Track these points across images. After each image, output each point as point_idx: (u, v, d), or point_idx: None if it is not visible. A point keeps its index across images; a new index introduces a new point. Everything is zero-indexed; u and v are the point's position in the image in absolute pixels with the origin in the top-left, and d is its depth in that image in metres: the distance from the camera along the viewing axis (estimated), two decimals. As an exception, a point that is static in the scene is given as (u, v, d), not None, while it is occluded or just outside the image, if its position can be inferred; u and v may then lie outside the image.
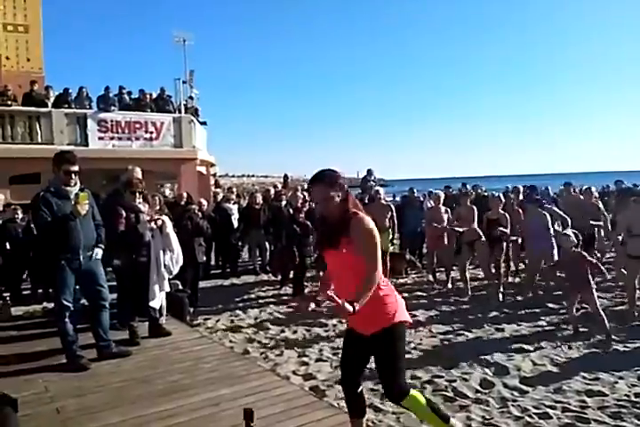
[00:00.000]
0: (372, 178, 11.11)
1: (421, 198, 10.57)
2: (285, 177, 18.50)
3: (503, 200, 7.92)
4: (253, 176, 58.42)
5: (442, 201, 8.48)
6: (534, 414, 3.74)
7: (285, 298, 7.88)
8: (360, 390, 2.79)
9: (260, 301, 7.84)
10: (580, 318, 5.84)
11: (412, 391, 2.59)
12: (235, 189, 11.81)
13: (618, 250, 7.07)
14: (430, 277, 8.86)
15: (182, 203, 8.90)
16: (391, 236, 8.49)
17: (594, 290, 5.57)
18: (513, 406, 3.89)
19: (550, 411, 3.77)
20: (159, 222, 5.01)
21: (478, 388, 4.27)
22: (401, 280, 9.02)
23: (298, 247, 7.57)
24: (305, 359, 5.12)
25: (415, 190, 10.64)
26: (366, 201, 9.23)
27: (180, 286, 6.55)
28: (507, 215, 7.54)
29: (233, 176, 52.35)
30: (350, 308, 2.32)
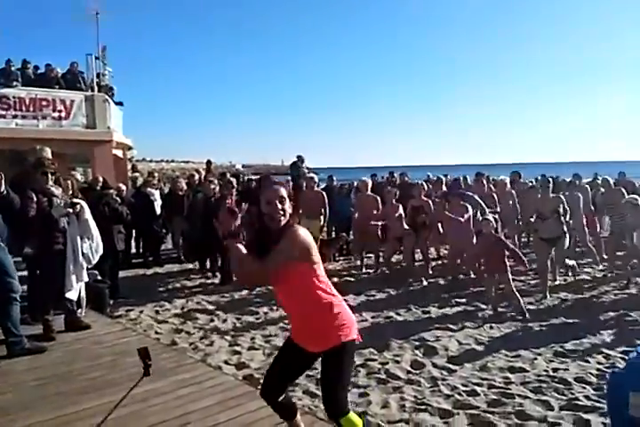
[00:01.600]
0: (304, 165, 10.99)
1: (347, 186, 10.60)
2: (209, 162, 17.98)
3: (426, 188, 8.27)
4: (173, 161, 56.40)
5: (369, 188, 8.56)
6: (463, 391, 3.87)
7: (212, 287, 7.69)
8: (283, 397, 2.64)
9: (186, 290, 7.58)
10: (498, 299, 6.12)
11: (352, 413, 2.46)
12: (156, 174, 11.24)
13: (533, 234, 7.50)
14: (358, 263, 8.96)
15: (98, 187, 8.44)
16: (322, 222, 8.50)
17: (509, 272, 5.85)
18: (443, 384, 4.01)
19: (477, 388, 3.92)
20: (77, 208, 4.65)
21: (409, 369, 4.36)
22: (330, 266, 9.05)
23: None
24: (237, 348, 5.00)
25: (334, 178, 10.68)
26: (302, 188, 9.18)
27: (99, 277, 6.19)
28: (430, 202, 7.81)
29: (151, 161, 50.24)
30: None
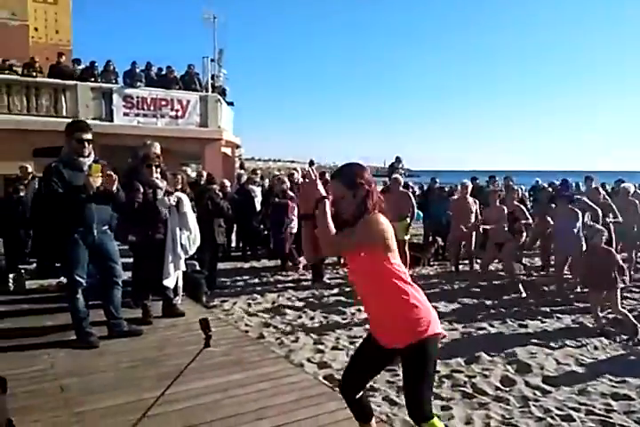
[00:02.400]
0: (400, 166, 10.82)
1: (446, 189, 10.30)
2: (311, 162, 18.29)
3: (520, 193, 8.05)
4: (280, 161, 58.18)
5: (469, 191, 8.24)
6: (556, 415, 3.56)
7: (305, 284, 7.78)
8: (361, 395, 2.57)
9: (279, 285, 7.74)
10: (607, 318, 5.59)
11: (436, 420, 2.34)
12: (259, 171, 11.60)
13: None
14: (453, 269, 8.65)
15: (202, 182, 8.83)
16: (408, 223, 8.30)
17: (618, 289, 5.32)
18: (535, 406, 3.71)
19: (574, 413, 3.59)
20: (173, 198, 4.87)
21: (499, 385, 4.10)
22: (424, 271, 8.83)
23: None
24: (320, 347, 5.00)
25: (437, 180, 10.39)
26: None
27: (198, 267, 6.48)
28: (522, 207, 7.49)
29: (259, 160, 52.21)
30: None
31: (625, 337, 5.22)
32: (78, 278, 4.07)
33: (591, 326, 5.63)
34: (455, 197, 9.21)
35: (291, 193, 8.58)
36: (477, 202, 8.10)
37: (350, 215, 2.32)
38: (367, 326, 5.52)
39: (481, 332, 5.48)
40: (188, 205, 5.00)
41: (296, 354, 4.74)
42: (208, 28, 13.79)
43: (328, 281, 7.86)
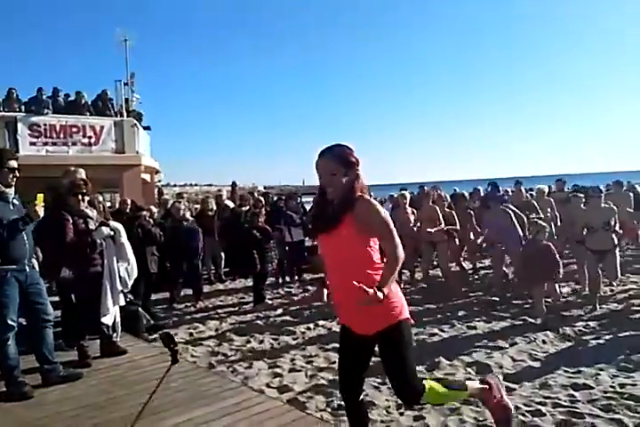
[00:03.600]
0: None
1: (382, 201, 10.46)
2: (234, 184, 18.04)
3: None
4: (196, 185, 56.91)
5: (407, 202, 8.38)
6: (527, 412, 3.59)
7: (246, 307, 7.52)
8: (362, 398, 2.52)
9: (219, 311, 7.42)
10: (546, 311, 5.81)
11: (426, 384, 2.35)
12: (185, 195, 11.26)
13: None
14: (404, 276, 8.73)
15: (127, 210, 8.39)
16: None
17: (557, 282, 5.56)
18: (503, 405, 3.72)
19: (542, 408, 3.63)
20: (109, 228, 4.52)
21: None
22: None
23: (258, 253, 7.19)
24: (277, 370, 4.79)
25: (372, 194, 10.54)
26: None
27: (132, 299, 6.08)
28: (453, 213, 7.73)
29: (175, 185, 50.77)
30: (380, 294, 2.11)
31: (566, 329, 5.40)
32: (10, 322, 3.64)
33: (533, 320, 5.81)
34: (390, 206, 9.33)
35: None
36: (415, 212, 8.27)
37: (339, 193, 2.31)
38: (321, 344, 5.47)
39: (434, 338, 5.50)
40: (124, 235, 4.65)
41: (253, 381, 4.50)
42: (121, 52, 13.30)
43: (270, 302, 7.64)
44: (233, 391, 3.68)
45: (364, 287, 2.05)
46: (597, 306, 6.14)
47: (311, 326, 6.28)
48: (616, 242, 6.04)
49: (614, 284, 7.20)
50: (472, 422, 3.49)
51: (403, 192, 8.78)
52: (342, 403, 3.84)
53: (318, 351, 5.28)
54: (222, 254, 9.63)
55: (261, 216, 7.53)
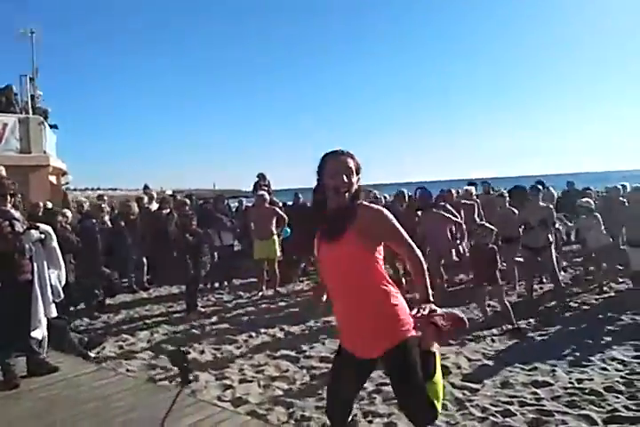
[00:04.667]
0: (266, 182, 10.53)
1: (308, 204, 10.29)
2: (146, 187, 17.14)
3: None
4: (99, 189, 53.82)
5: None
6: (496, 412, 3.57)
7: (177, 316, 7.06)
8: (351, 418, 2.33)
9: (148, 321, 6.91)
10: (491, 312, 5.94)
11: (436, 403, 2.19)
12: (106, 198, 10.46)
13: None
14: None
15: (40, 214, 7.64)
16: (277, 242, 8.09)
17: (500, 283, 5.70)
18: (471, 406, 3.69)
19: (510, 407, 3.64)
20: (37, 231, 4.00)
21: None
22: (297, 288, 8.64)
23: (191, 258, 6.79)
24: (226, 382, 4.47)
25: (300, 195, 10.35)
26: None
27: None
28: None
29: (75, 190, 47.58)
30: (433, 306, 2.05)
31: (510, 327, 5.54)
32: None
33: (476, 318, 5.92)
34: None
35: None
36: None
37: (346, 196, 2.12)
38: (268, 352, 5.21)
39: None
40: (55, 239, 4.12)
41: (202, 395, 4.16)
42: (25, 45, 12.19)
43: (202, 310, 7.24)
44: (193, 408, 3.37)
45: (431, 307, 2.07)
46: (533, 300, 6.38)
47: (253, 333, 5.98)
48: (551, 240, 6.29)
49: (545, 280, 7.48)
50: None
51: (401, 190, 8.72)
52: (305, 414, 3.74)
53: (267, 360, 5.02)
54: (145, 260, 9.06)
55: (194, 219, 7.11)
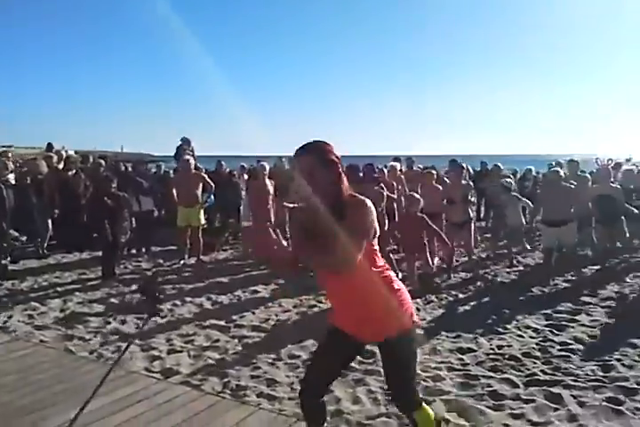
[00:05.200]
0: (190, 147, 10.07)
1: (235, 172, 10.04)
2: (50, 146, 15.93)
3: None
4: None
5: (267, 175, 8.14)
6: (427, 377, 3.71)
7: (92, 283, 6.70)
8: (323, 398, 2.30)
9: (59, 289, 6.49)
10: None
11: (424, 405, 2.19)
12: (10, 154, 9.53)
13: None
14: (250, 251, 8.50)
15: None
16: (200, 209, 7.84)
17: (427, 252, 5.91)
18: (402, 372, 3.81)
19: (439, 373, 3.80)
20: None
21: (360, 359, 4.08)
22: (220, 257, 8.48)
23: (111, 223, 6.42)
24: (154, 353, 4.31)
25: (223, 163, 10.08)
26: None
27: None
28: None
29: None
30: None
31: (433, 296, 5.77)
32: None
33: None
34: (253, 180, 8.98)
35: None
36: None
37: (324, 195, 1.98)
38: (197, 322, 5.09)
39: (312, 310, 5.47)
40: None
41: (128, 366, 3.98)
42: None
43: (120, 277, 6.92)
44: (124, 380, 3.22)
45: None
46: (452, 275, 6.68)
47: (178, 302, 5.81)
48: (472, 215, 6.56)
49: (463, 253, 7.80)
50: (380, 392, 3.50)
51: (263, 163, 8.50)
52: (240, 383, 3.69)
53: (196, 329, 4.90)
54: (50, 224, 8.45)
55: (113, 182, 6.71)
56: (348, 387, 3.59)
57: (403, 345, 2.07)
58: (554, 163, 11.21)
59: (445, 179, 8.47)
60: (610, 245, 6.90)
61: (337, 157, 2.03)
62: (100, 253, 7.20)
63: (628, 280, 6.40)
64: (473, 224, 6.51)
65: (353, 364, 3.92)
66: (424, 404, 2.19)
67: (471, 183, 7.03)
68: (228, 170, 9.84)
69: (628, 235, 7.04)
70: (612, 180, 7.03)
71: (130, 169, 9.53)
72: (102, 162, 8.68)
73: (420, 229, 5.75)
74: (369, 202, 1.99)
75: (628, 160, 16.09)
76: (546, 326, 4.82)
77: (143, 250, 8.66)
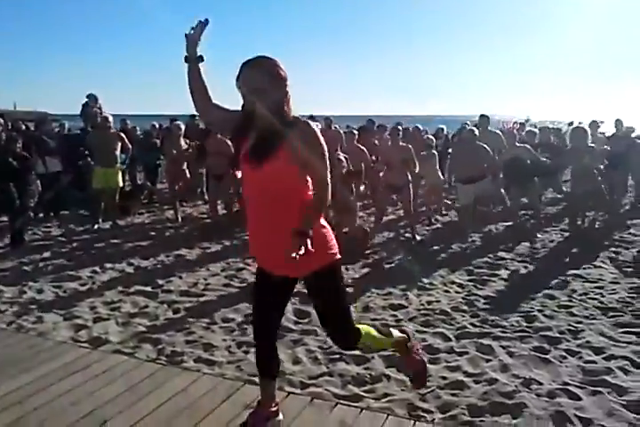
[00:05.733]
0: (98, 105, 9.34)
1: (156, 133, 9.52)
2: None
3: None
4: None
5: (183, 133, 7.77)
6: (363, 335, 3.80)
7: (1, 251, 6.19)
8: (274, 344, 2.28)
9: (-36, 257, 5.96)
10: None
11: (361, 328, 2.23)
12: None
13: None
14: (169, 214, 8.21)
15: None
16: (118, 169, 7.41)
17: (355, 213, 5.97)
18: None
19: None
20: None
21: (296, 319, 4.13)
22: (137, 220, 8.11)
23: (17, 186, 5.89)
24: (78, 322, 4.10)
25: (129, 122, 9.54)
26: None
27: None
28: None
29: None
30: (306, 239, 1.84)
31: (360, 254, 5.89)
32: None
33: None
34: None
35: None
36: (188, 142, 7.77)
37: (268, 114, 1.92)
38: (120, 288, 4.88)
39: (244, 272, 5.39)
40: None
41: (52, 336, 3.75)
42: None
43: (31, 244, 6.45)
44: (54, 351, 3.01)
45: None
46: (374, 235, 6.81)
47: (97, 269, 5.52)
48: (410, 178, 6.59)
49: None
50: (320, 351, 3.55)
51: (177, 123, 8.12)
52: (176, 349, 3.60)
53: (121, 296, 4.70)
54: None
55: (18, 141, 6.13)
56: (287, 348, 3.60)
57: (327, 279, 2.08)
58: (468, 122, 11.61)
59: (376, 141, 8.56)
60: (520, 202, 7.33)
61: (285, 73, 1.95)
62: (6, 219, 6.65)
63: (539, 236, 6.85)
64: (411, 187, 6.54)
65: (290, 324, 3.98)
66: (361, 326, 2.25)
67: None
68: (138, 130, 9.33)
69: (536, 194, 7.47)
70: (517, 141, 7.37)
71: (32, 128, 8.75)
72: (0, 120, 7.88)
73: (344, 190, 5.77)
74: (313, 124, 1.99)
75: (526, 121, 16.93)
76: (469, 280, 5.08)
77: (52, 214, 8.10)
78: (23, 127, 8.77)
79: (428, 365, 3.20)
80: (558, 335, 3.74)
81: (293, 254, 1.78)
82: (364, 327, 2.27)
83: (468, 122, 11.73)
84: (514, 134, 7.96)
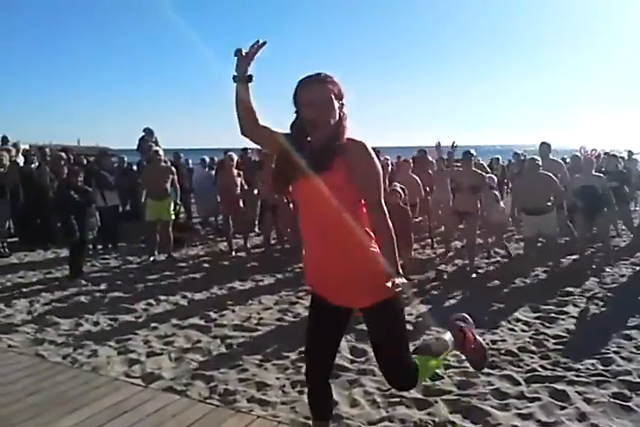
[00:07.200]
0: (153, 139, 9.66)
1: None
2: (5, 139, 15.21)
3: None
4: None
5: (234, 165, 7.86)
6: (424, 376, 3.57)
7: (56, 284, 6.31)
8: (328, 384, 2.13)
9: (24, 289, 6.11)
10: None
11: (418, 363, 2.09)
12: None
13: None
14: (222, 247, 8.24)
15: None
16: (172, 202, 7.53)
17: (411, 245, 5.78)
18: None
19: (438, 371, 3.59)
20: None
21: (351, 357, 3.93)
22: (191, 252, 8.17)
23: (78, 218, 6.05)
24: (132, 356, 4.04)
25: (182, 155, 9.79)
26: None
27: None
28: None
29: None
30: (402, 277, 1.79)
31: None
32: None
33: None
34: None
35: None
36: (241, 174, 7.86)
37: (331, 128, 1.86)
38: (174, 322, 4.82)
39: (297, 306, 5.26)
40: None
41: (106, 371, 3.71)
42: None
43: (88, 275, 6.56)
44: (107, 388, 2.95)
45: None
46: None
47: (152, 301, 5.53)
48: (479, 206, 6.36)
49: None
50: (378, 393, 3.34)
51: (230, 153, 8.20)
52: (228, 388, 3.47)
53: (174, 330, 4.64)
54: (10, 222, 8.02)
55: (80, 175, 6.33)
56: (343, 389, 3.41)
57: (391, 311, 1.94)
58: (521, 151, 11.27)
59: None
60: (589, 234, 6.92)
61: (344, 92, 1.93)
62: (65, 251, 6.83)
63: (608, 270, 6.42)
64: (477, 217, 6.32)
65: (345, 363, 3.80)
66: (417, 360, 2.10)
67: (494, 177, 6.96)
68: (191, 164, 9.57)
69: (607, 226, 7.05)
70: (594, 170, 7.01)
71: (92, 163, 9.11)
72: (63, 155, 8.24)
73: (402, 222, 5.60)
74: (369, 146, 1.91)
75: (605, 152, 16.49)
76: (535, 318, 4.75)
77: (110, 246, 8.29)
78: (85, 162, 9.11)
79: (497, 411, 2.97)
80: (639, 380, 3.39)
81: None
82: (419, 361, 2.10)
83: (522, 151, 11.43)
84: (591, 161, 7.47)
